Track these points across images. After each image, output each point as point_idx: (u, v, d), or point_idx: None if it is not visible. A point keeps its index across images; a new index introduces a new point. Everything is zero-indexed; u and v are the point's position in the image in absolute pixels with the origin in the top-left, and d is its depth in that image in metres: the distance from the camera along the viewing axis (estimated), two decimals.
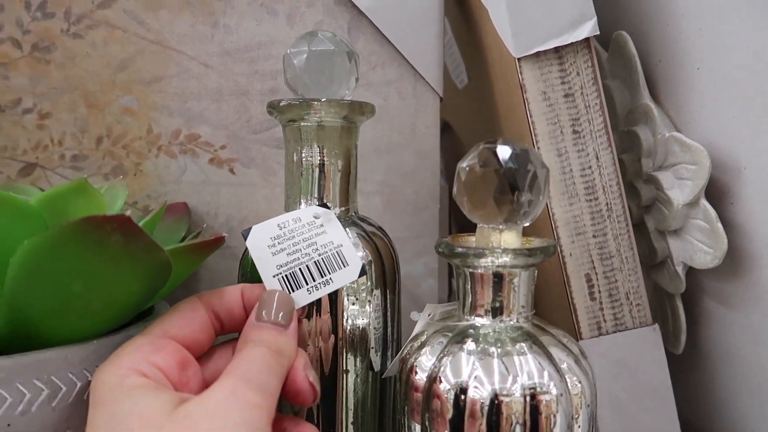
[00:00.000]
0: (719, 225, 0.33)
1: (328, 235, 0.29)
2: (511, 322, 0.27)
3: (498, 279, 0.27)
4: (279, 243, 0.28)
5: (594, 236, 0.34)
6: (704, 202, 0.34)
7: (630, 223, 0.35)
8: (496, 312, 0.27)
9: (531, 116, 0.34)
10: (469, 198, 0.27)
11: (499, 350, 0.26)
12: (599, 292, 0.34)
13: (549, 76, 0.34)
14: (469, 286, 0.27)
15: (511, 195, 0.26)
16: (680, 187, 0.35)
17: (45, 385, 0.23)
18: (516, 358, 0.25)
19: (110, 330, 0.26)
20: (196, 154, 0.39)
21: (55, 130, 0.38)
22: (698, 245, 0.35)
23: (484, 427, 0.25)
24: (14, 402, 0.23)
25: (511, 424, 0.24)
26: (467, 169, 0.27)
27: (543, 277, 0.36)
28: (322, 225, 0.29)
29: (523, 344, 0.26)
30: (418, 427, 0.26)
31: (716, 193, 0.34)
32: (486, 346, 0.26)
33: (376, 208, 0.41)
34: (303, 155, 0.31)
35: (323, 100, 0.30)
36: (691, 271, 0.37)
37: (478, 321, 0.27)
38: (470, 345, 0.26)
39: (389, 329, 0.32)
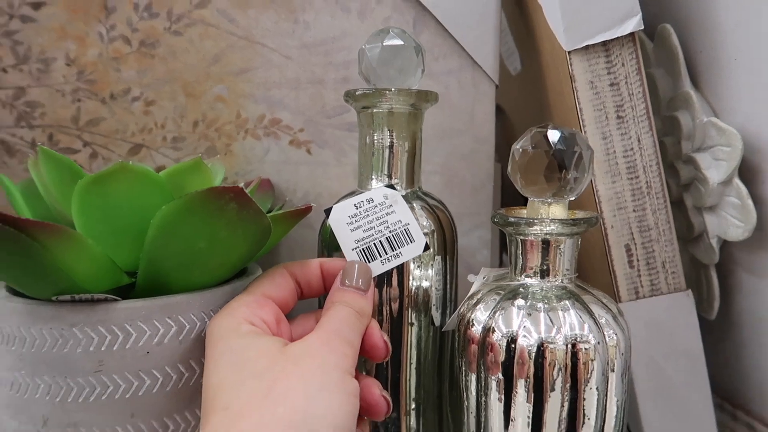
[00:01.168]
0: (749, 201, 0.36)
1: (396, 215, 0.33)
2: (557, 282, 0.31)
3: (546, 245, 0.31)
4: (356, 221, 0.33)
5: (634, 211, 0.38)
6: (737, 181, 0.36)
7: (668, 199, 0.38)
8: (544, 274, 0.31)
9: (579, 103, 0.37)
10: (522, 176, 0.31)
11: (545, 306, 0.30)
12: (637, 260, 0.38)
13: (596, 67, 0.37)
14: (520, 251, 0.31)
15: (559, 173, 0.30)
16: (716, 167, 0.37)
17: (174, 322, 0.29)
18: (560, 312, 0.29)
19: (221, 282, 0.32)
20: (278, 137, 0.45)
21: (159, 115, 0.44)
22: (731, 220, 0.38)
23: (531, 370, 0.29)
24: (152, 334, 0.28)
25: (555, 367, 0.29)
26: (521, 150, 0.31)
27: (586, 247, 0.40)
28: (391, 206, 0.33)
29: (567, 301, 0.30)
30: (474, 373, 0.31)
31: (749, 172, 0.37)
32: (534, 302, 0.30)
33: (436, 186, 0.45)
34: (375, 138, 0.36)
35: (393, 89, 0.34)
36: (725, 244, 0.40)
37: (528, 281, 0.31)
38: (520, 301, 0.30)
39: (448, 290, 0.37)
